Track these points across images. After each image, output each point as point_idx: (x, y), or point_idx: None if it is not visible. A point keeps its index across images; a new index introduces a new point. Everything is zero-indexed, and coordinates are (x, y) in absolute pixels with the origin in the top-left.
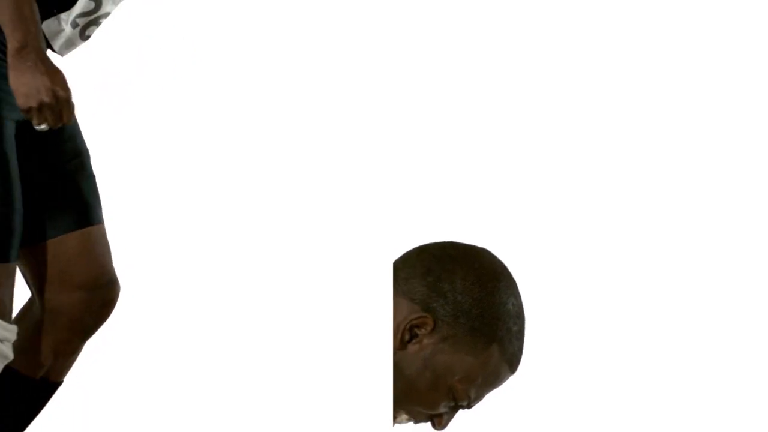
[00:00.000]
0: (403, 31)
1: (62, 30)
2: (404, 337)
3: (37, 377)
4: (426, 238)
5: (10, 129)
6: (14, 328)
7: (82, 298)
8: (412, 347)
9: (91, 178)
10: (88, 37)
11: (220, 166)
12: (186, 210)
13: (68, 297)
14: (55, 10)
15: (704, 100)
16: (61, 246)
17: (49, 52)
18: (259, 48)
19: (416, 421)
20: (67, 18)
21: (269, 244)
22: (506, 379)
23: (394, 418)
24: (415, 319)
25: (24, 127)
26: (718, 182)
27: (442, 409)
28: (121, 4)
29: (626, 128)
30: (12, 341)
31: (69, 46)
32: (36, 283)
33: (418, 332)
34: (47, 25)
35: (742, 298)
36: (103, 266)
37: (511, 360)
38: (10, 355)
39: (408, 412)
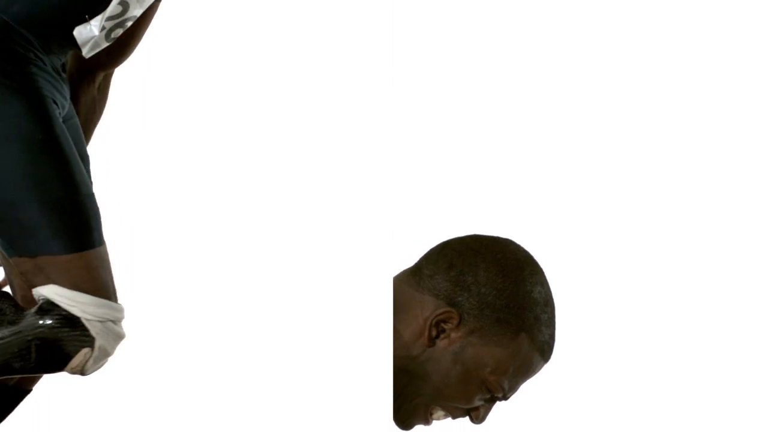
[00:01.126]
0: (403, 30)
1: (94, 36)
2: (432, 334)
3: (9, 384)
4: (425, 238)
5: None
6: (122, 307)
7: None
8: (441, 343)
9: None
10: (113, 39)
11: (220, 166)
12: (185, 212)
13: None
14: (87, 17)
15: (705, 99)
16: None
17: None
18: (258, 48)
19: (453, 417)
20: (98, 24)
21: (269, 245)
22: (540, 368)
23: (431, 414)
24: (441, 314)
25: None
26: (722, 178)
27: (477, 402)
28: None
29: (628, 127)
30: (123, 320)
31: (94, 47)
32: (22, 292)
33: (445, 327)
34: (79, 32)
35: (742, 297)
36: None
37: (542, 348)
38: (124, 334)
39: (444, 408)
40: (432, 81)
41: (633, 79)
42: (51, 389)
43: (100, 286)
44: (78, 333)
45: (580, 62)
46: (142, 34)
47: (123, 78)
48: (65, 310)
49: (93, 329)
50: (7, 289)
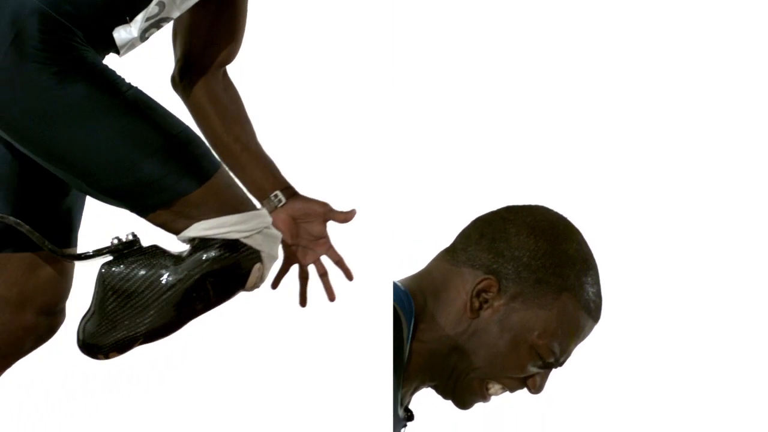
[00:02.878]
0: (401, 30)
1: (133, 37)
2: (474, 305)
3: None
4: (426, 236)
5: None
6: (265, 211)
7: (33, 321)
8: (485, 313)
9: (84, 197)
10: (147, 39)
11: None
12: None
13: (19, 317)
14: (127, 18)
15: (705, 99)
16: (37, 264)
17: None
18: (259, 47)
19: (511, 390)
20: (137, 26)
21: None
22: (590, 329)
23: (487, 389)
24: (480, 283)
25: None
26: (720, 177)
27: (531, 370)
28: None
29: (629, 127)
30: (270, 221)
31: (130, 48)
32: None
33: (486, 297)
34: (118, 34)
35: (742, 296)
36: (64, 293)
37: (588, 306)
38: (279, 234)
39: (499, 381)
40: (431, 81)
41: (632, 79)
42: (52, 389)
43: (240, 201)
44: (243, 253)
45: (579, 62)
46: (244, 26)
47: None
48: (221, 239)
49: (254, 243)
50: None
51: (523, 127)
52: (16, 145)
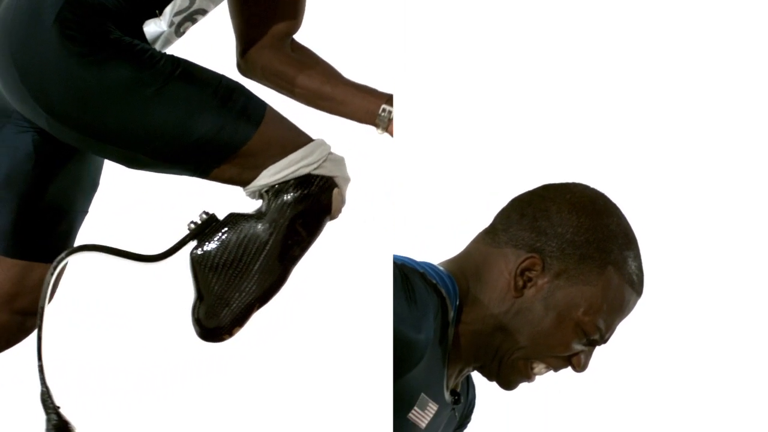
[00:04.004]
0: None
1: (163, 31)
2: (518, 284)
3: None
4: (426, 235)
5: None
6: (322, 138)
7: (7, 320)
8: (529, 292)
9: (84, 214)
10: (183, 33)
11: None
12: (184, 211)
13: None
14: (157, 11)
15: (705, 99)
16: (28, 270)
17: None
18: None
19: (555, 369)
20: (166, 19)
21: None
22: (634, 304)
23: (531, 369)
24: (524, 261)
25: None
26: (722, 178)
27: (576, 348)
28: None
29: (629, 127)
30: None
31: (165, 44)
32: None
33: (530, 275)
34: (148, 28)
35: (742, 296)
36: (43, 296)
37: (631, 280)
38: (343, 156)
39: (544, 361)
40: (436, 79)
41: (634, 81)
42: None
43: (297, 135)
44: (319, 184)
45: (578, 61)
46: None
47: None
48: (293, 178)
49: (326, 171)
50: None
51: (525, 125)
52: (61, 135)
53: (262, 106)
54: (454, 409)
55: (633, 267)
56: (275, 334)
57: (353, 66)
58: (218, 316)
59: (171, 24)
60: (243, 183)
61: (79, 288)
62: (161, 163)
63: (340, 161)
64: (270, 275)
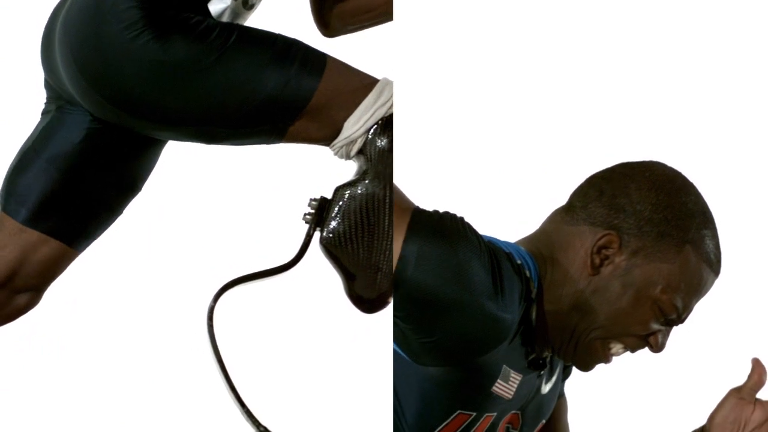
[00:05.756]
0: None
1: (227, 6)
2: (595, 262)
3: None
4: None
5: None
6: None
7: (5, 297)
8: (606, 269)
9: (114, 214)
10: (252, 6)
11: (222, 164)
12: (183, 210)
13: None
14: None
15: (705, 99)
16: (44, 245)
17: None
18: None
19: (633, 349)
20: None
21: (268, 244)
22: (711, 283)
23: (609, 350)
24: (601, 239)
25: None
26: (723, 178)
27: (653, 328)
28: None
29: (627, 126)
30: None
31: (235, 19)
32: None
33: (607, 253)
34: (213, 6)
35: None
36: (48, 282)
37: (709, 259)
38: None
39: (620, 341)
40: (430, 77)
41: (631, 79)
42: (52, 389)
43: (362, 77)
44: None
45: (578, 60)
46: None
47: None
48: (374, 123)
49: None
50: None
51: (523, 123)
52: (133, 126)
53: (321, 56)
54: (542, 373)
55: (710, 246)
56: (275, 334)
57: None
58: (375, 282)
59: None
60: (324, 140)
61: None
62: (238, 131)
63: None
64: None
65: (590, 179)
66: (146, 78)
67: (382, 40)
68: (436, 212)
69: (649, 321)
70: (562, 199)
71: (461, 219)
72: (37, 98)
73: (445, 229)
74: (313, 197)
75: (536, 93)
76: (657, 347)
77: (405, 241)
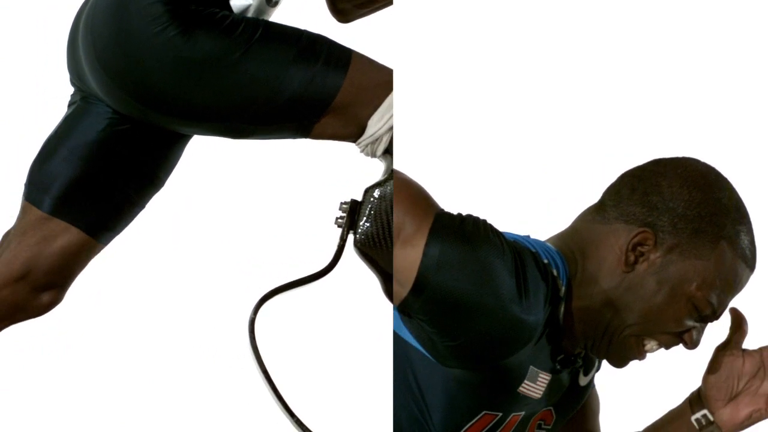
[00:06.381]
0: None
1: (249, 4)
2: (630, 259)
3: None
4: None
5: None
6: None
7: (28, 293)
8: (641, 267)
9: (135, 207)
10: (276, 2)
11: (220, 164)
12: (182, 209)
13: (19, 289)
14: None
15: (705, 100)
16: (66, 234)
17: None
18: None
19: (667, 346)
20: None
21: (268, 243)
22: (746, 279)
23: (643, 347)
24: (636, 236)
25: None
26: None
27: (688, 324)
28: None
29: (626, 125)
30: None
31: (259, 15)
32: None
33: (642, 250)
34: (235, 2)
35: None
36: (69, 277)
37: (744, 255)
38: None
39: (655, 338)
40: (430, 77)
41: (631, 78)
42: (51, 390)
43: (388, 73)
44: None
45: (577, 60)
46: None
47: None
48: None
49: None
50: None
51: (528, 123)
52: (157, 121)
53: (346, 51)
54: (570, 369)
55: (746, 242)
56: (276, 334)
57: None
58: None
59: None
60: (350, 137)
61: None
62: (263, 128)
63: None
64: None
65: (622, 177)
66: (171, 73)
67: (382, 40)
68: (458, 215)
69: (684, 318)
70: (562, 198)
71: (483, 221)
72: (38, 98)
73: (467, 233)
74: (343, 200)
75: (536, 92)
76: (691, 344)
77: (426, 245)
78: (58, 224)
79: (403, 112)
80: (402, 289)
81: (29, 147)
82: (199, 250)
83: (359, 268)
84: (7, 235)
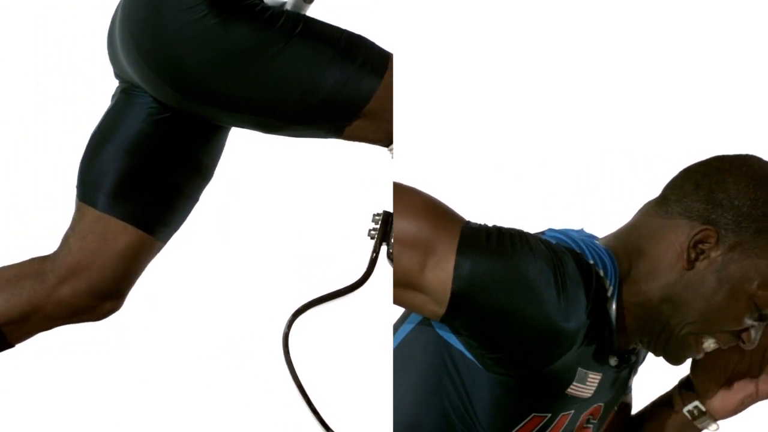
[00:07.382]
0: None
1: (285, 1)
2: (690, 256)
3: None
4: None
5: None
6: None
7: (91, 301)
8: (701, 264)
9: (188, 200)
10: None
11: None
12: None
13: (83, 296)
14: None
15: (705, 100)
16: (124, 234)
17: None
18: None
19: (725, 344)
20: None
21: (267, 243)
22: None
23: (700, 344)
24: (698, 233)
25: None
26: None
27: (747, 323)
28: None
29: (626, 125)
30: None
31: (296, 9)
32: (75, 253)
33: (703, 248)
34: None
35: None
36: (130, 280)
37: None
38: None
39: (713, 335)
40: (430, 77)
41: (631, 77)
42: (51, 390)
43: None
44: None
45: (577, 59)
46: None
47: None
48: None
49: None
50: None
51: (529, 123)
52: (190, 108)
53: (384, 56)
54: (623, 367)
55: None
56: (275, 334)
57: None
58: None
59: None
60: (380, 142)
61: None
62: (295, 125)
63: None
64: None
65: (685, 173)
66: (206, 62)
67: (380, 38)
68: (485, 226)
69: (744, 316)
70: (561, 197)
71: (509, 230)
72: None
73: (497, 245)
74: (375, 212)
75: (533, 88)
76: (749, 342)
77: (457, 261)
78: (116, 224)
79: (402, 110)
80: (439, 309)
81: (29, 147)
82: (230, 261)
83: (357, 269)
84: (66, 239)
